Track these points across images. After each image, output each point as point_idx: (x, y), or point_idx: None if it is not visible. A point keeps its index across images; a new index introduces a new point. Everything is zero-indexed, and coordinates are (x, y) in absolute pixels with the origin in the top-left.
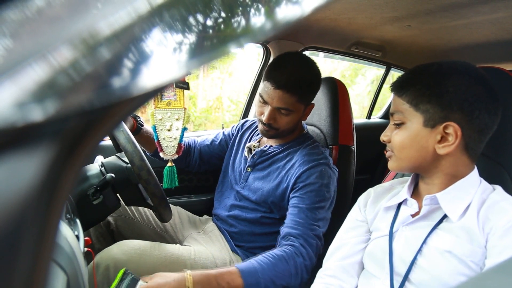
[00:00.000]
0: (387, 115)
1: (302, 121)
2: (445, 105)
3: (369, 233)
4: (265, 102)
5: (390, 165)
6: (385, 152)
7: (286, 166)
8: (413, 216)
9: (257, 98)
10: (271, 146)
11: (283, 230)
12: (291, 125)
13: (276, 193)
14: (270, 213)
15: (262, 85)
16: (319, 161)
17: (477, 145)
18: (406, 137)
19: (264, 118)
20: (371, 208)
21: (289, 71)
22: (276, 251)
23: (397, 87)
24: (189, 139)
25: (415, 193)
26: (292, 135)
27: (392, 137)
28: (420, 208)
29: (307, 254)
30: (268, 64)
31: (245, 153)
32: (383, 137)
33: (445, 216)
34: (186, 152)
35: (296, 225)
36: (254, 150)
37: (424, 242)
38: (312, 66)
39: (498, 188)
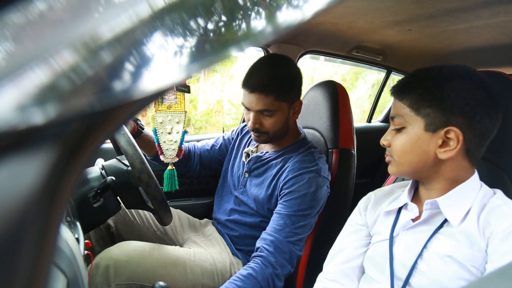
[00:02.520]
0: (387, 118)
1: (299, 125)
2: (447, 109)
3: (370, 237)
4: (248, 109)
5: (390, 169)
6: (385, 156)
7: (278, 173)
8: (413, 220)
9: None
10: (267, 152)
11: (262, 236)
12: (279, 125)
13: (271, 201)
14: (268, 218)
15: (242, 93)
16: (308, 169)
17: (478, 150)
18: (406, 142)
19: (249, 124)
20: (371, 212)
21: (260, 72)
22: (243, 270)
23: (397, 91)
24: (189, 144)
25: (416, 197)
26: (287, 139)
27: (393, 141)
28: (420, 212)
29: (277, 262)
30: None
31: (243, 158)
32: (383, 141)
33: (445, 221)
34: (186, 157)
35: (272, 232)
36: (251, 155)
37: (425, 246)
38: (284, 64)
39: (499, 192)
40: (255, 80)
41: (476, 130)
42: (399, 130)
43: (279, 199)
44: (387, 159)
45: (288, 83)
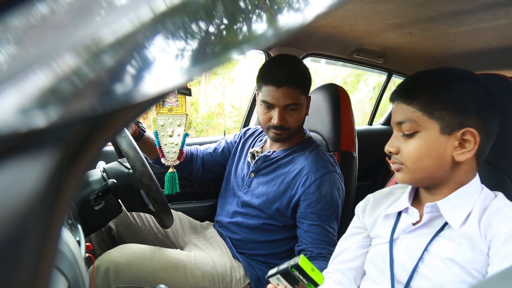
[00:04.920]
0: (389, 121)
1: (304, 127)
2: (461, 110)
3: (369, 238)
4: (270, 106)
5: (401, 177)
6: (390, 163)
7: (291, 171)
8: (414, 224)
9: (259, 107)
10: (275, 151)
11: (312, 250)
12: (301, 120)
13: (282, 199)
14: (272, 219)
15: (262, 92)
16: (327, 168)
17: (485, 151)
18: (422, 146)
19: (275, 120)
20: (370, 214)
21: (285, 68)
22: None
23: (405, 95)
24: (192, 148)
25: (416, 200)
26: (295, 138)
27: (403, 147)
28: (421, 216)
29: None
30: (259, 71)
31: (248, 158)
32: (390, 148)
33: (446, 224)
34: (188, 160)
35: (325, 245)
36: (257, 155)
37: (426, 249)
38: (298, 60)
39: (500, 194)
40: (282, 75)
41: (487, 130)
42: (410, 136)
43: (304, 204)
44: (394, 166)
45: (307, 77)
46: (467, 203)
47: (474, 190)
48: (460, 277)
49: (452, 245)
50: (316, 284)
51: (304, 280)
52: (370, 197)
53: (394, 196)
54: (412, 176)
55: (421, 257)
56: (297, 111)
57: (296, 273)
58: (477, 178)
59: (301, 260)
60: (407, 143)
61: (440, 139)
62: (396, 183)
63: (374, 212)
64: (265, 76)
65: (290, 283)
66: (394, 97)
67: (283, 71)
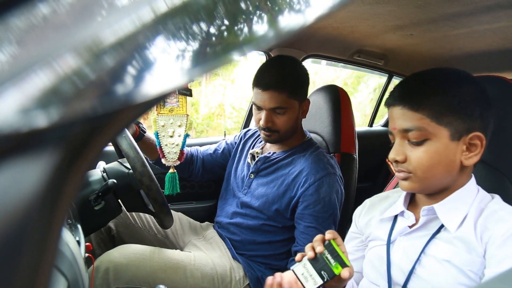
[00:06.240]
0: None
1: (304, 129)
2: (468, 115)
3: (365, 242)
4: (259, 108)
5: (409, 186)
6: (394, 170)
7: (291, 173)
8: (410, 227)
9: (253, 108)
10: (275, 152)
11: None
12: (290, 124)
13: (282, 201)
14: (271, 220)
15: (253, 93)
16: (326, 170)
17: (483, 153)
18: (433, 154)
19: (262, 122)
20: (365, 216)
21: (273, 71)
22: None
23: (409, 101)
24: (192, 149)
25: (412, 203)
26: (295, 139)
27: (411, 155)
28: (417, 219)
29: None
30: (255, 73)
31: (248, 159)
32: (397, 157)
33: (442, 226)
34: (188, 161)
35: None
36: (257, 156)
37: (422, 251)
38: (293, 63)
39: (497, 197)
40: (268, 78)
41: (488, 132)
42: (419, 143)
43: (302, 206)
44: (402, 175)
45: (299, 81)
46: (463, 206)
47: (470, 192)
48: (456, 279)
49: (448, 247)
50: (344, 264)
51: (332, 261)
52: (367, 202)
53: (391, 200)
54: (422, 184)
55: (418, 259)
56: (285, 115)
57: (326, 252)
58: (472, 180)
59: (332, 241)
60: (415, 151)
61: (450, 145)
62: (397, 184)
63: (368, 214)
64: (256, 78)
65: (317, 270)
66: (394, 102)
67: (271, 74)
